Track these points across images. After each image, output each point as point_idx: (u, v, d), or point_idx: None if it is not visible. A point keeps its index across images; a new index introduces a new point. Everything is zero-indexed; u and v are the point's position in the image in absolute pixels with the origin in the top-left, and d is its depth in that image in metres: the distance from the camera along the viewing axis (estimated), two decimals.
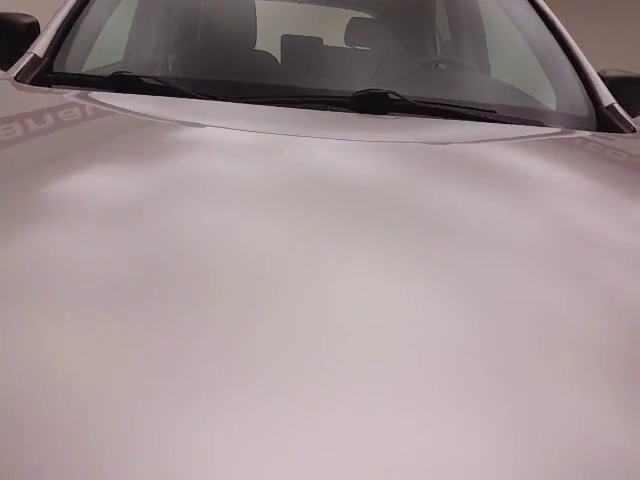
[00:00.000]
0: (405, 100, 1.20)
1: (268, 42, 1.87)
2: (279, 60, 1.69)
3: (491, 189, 0.88)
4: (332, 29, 2.31)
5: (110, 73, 1.22)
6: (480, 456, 0.42)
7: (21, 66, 1.24)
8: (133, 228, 0.66)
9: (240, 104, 1.15)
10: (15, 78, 1.20)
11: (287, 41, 1.96)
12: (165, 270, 0.58)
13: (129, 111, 1.10)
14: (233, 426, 0.42)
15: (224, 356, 0.48)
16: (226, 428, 0.42)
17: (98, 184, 0.76)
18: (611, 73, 1.49)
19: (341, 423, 0.43)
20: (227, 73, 1.37)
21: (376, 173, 0.90)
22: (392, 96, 1.20)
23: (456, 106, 1.23)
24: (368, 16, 2.44)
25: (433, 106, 1.22)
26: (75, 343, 0.49)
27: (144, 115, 1.09)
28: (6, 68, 1.33)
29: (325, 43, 2.09)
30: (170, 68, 1.54)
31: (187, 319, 0.51)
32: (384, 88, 1.21)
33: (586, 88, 1.39)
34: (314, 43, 2.05)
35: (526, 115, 1.28)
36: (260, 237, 0.65)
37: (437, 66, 1.82)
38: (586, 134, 1.24)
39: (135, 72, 1.25)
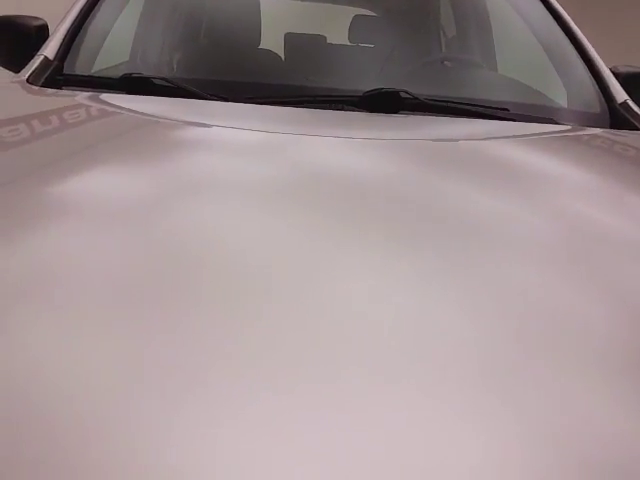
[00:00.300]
0: (417, 98, 1.19)
1: (271, 40, 1.86)
2: (283, 58, 1.69)
3: (504, 188, 0.87)
4: (335, 27, 2.30)
5: (119, 74, 1.23)
6: (488, 457, 0.42)
7: (32, 68, 1.24)
8: (141, 228, 0.67)
9: (251, 105, 1.15)
10: (27, 80, 1.20)
11: (290, 39, 1.96)
12: (170, 270, 0.58)
13: (140, 112, 1.10)
14: (233, 422, 0.42)
15: (226, 354, 0.48)
16: (226, 424, 0.42)
17: (110, 184, 0.77)
18: (624, 69, 1.46)
19: (342, 422, 0.43)
20: (236, 73, 1.37)
21: (389, 172, 0.90)
22: (403, 94, 1.19)
23: (469, 104, 1.22)
24: (371, 13, 2.43)
25: (445, 104, 1.21)
26: (75, 343, 0.49)
27: (155, 116, 1.09)
28: (16, 70, 1.33)
29: (329, 41, 2.08)
30: (175, 68, 1.54)
31: (192, 318, 0.52)
32: (394, 86, 1.21)
33: (598, 84, 1.37)
34: (318, 41, 2.05)
35: (538, 112, 1.28)
36: (270, 236, 0.66)
37: (443, 63, 1.82)
38: (598, 131, 1.24)
39: (145, 73, 1.25)
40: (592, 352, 0.53)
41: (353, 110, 1.18)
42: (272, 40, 1.88)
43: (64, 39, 1.32)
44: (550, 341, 0.53)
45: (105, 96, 1.17)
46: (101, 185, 0.77)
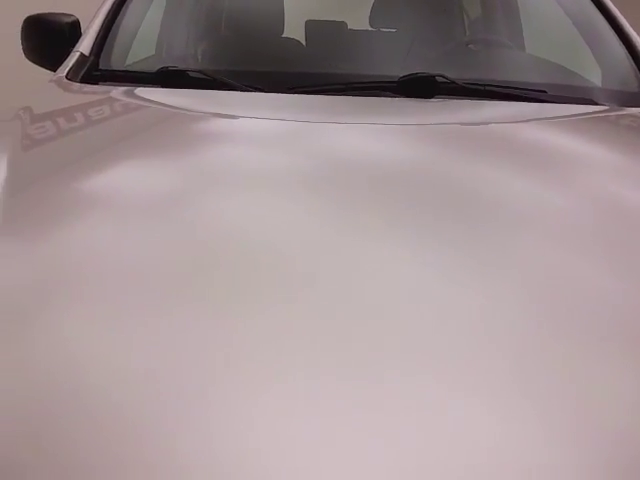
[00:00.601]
0: (454, 82, 1.19)
1: (292, 29, 1.85)
2: (305, 46, 1.68)
3: (546, 171, 0.87)
4: (354, 11, 2.28)
5: (152, 67, 1.25)
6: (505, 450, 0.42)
7: (70, 65, 1.25)
8: (178, 219, 0.68)
9: (287, 94, 1.15)
10: (66, 77, 1.22)
11: (311, 27, 1.94)
12: (202, 263, 0.59)
13: (183, 108, 1.11)
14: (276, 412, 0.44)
15: (263, 343, 0.49)
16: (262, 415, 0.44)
17: (149, 176, 0.80)
18: None
19: (377, 407, 0.44)
20: (266, 63, 1.37)
21: (433, 158, 0.91)
22: (440, 79, 1.18)
23: (507, 87, 1.21)
24: None
25: (483, 88, 1.20)
26: (108, 336, 0.50)
27: (194, 110, 1.10)
28: (50, 66, 1.34)
29: (350, 27, 2.06)
30: (201, 59, 1.54)
31: (229, 308, 0.53)
32: (424, 71, 1.20)
33: (635, 61, 1.34)
34: (340, 27, 2.03)
35: (575, 93, 1.26)
36: (307, 225, 0.67)
37: (470, 45, 1.79)
38: (637, 111, 1.22)
39: (180, 66, 1.26)
40: (622, 337, 0.53)
41: (387, 96, 1.18)
42: (292, 28, 1.87)
43: (98, 35, 1.33)
44: (581, 329, 0.54)
45: (142, 91, 1.18)
46: (143, 178, 0.79)
